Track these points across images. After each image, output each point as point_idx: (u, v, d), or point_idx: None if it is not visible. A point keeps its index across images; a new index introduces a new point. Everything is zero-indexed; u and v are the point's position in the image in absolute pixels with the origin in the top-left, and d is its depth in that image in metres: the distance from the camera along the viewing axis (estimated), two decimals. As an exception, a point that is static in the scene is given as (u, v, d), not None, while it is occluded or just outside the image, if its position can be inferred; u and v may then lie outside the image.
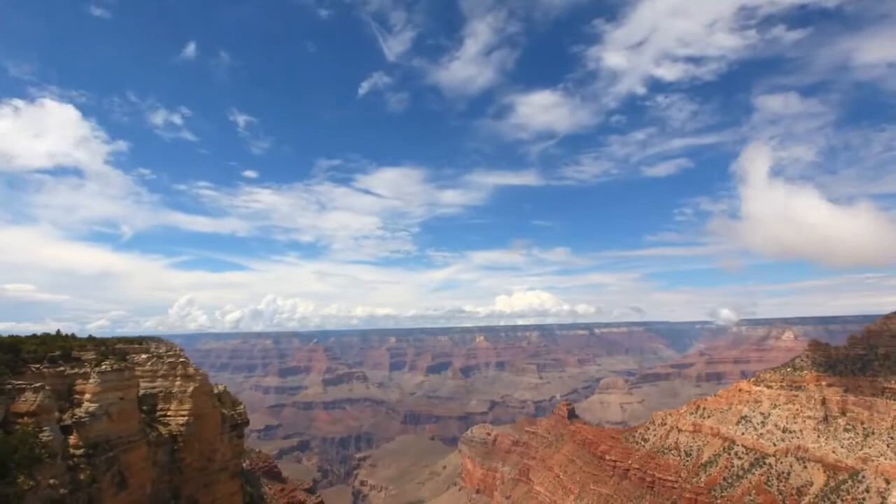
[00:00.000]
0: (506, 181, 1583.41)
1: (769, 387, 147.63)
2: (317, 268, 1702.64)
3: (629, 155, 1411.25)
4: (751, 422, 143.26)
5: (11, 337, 59.36)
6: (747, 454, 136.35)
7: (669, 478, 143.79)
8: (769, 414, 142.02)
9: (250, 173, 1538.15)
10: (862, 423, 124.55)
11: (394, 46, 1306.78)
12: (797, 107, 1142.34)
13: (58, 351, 56.41)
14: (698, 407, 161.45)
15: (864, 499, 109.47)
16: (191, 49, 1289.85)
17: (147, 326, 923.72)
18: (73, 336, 69.49)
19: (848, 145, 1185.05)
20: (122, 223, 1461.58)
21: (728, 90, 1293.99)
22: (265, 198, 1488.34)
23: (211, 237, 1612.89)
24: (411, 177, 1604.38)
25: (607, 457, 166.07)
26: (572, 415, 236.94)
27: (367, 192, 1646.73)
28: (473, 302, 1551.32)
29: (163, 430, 63.08)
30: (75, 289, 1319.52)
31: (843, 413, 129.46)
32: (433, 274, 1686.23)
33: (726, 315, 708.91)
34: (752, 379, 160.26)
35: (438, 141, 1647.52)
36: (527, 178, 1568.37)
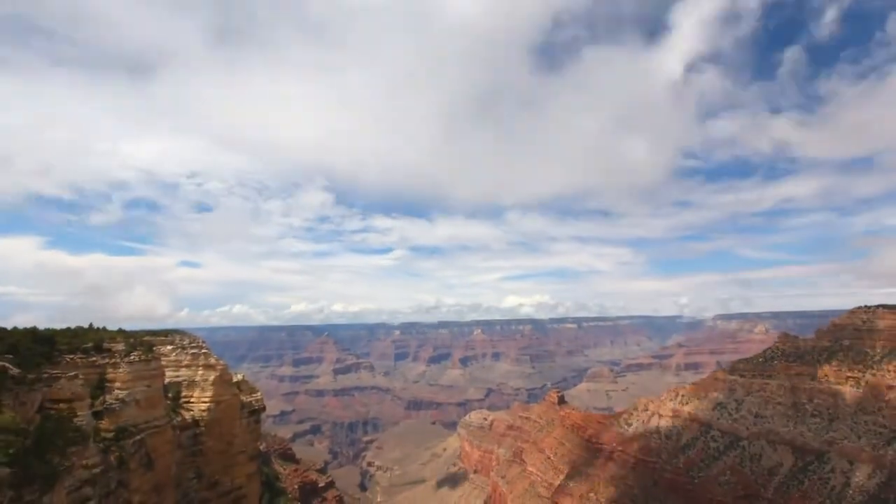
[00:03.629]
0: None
1: (742, 376, 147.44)
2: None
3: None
4: (726, 408, 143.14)
5: (47, 329, 59.41)
6: (722, 438, 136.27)
7: (651, 459, 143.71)
8: (742, 401, 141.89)
9: None
10: (828, 409, 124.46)
11: None
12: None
13: (90, 343, 56.36)
14: (678, 394, 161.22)
15: (829, 478, 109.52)
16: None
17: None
18: (104, 329, 69.49)
19: None
20: None
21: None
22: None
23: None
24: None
25: (594, 440, 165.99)
26: (562, 401, 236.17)
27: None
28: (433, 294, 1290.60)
29: (186, 415, 63.24)
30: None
31: (811, 400, 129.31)
32: (381, 259, 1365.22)
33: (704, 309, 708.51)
34: (727, 368, 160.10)
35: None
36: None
